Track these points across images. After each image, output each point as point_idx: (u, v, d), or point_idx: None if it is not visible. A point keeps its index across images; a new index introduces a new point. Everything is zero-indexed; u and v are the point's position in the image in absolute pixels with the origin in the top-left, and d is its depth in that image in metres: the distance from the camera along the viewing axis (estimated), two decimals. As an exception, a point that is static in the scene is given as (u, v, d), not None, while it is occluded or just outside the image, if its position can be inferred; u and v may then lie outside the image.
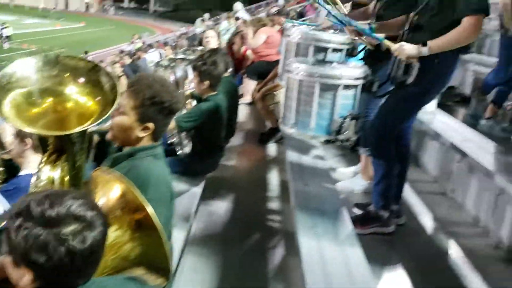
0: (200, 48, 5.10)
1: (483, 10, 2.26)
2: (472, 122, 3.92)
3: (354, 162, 3.59)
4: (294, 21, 5.37)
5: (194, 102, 3.78)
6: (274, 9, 17.35)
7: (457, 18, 2.28)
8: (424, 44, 2.33)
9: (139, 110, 1.87)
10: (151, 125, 1.88)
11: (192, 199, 3.22)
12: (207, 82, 3.52)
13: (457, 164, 3.21)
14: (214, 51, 3.79)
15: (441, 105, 4.04)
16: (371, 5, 3.48)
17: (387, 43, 2.50)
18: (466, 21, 2.24)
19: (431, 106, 3.53)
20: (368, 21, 2.78)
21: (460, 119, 4.07)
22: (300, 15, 13.54)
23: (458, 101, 4.92)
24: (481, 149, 3.00)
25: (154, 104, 1.86)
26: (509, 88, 3.75)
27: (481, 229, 2.84)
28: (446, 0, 2.34)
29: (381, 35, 2.62)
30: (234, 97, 4.28)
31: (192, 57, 4.21)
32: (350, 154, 3.80)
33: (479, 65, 4.98)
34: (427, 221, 2.97)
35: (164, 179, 1.86)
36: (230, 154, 4.49)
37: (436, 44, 2.31)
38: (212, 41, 5.40)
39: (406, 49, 2.36)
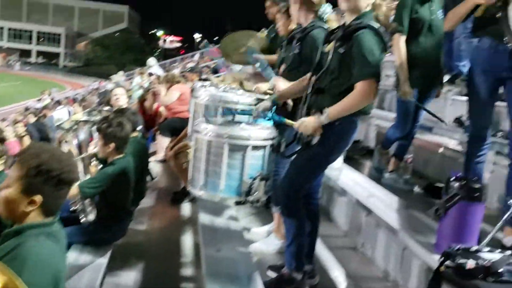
0: (106, 108, 4.94)
1: (375, 76, 2.38)
2: (377, 175, 4.10)
3: (268, 220, 3.56)
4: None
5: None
6: (189, 65, 17.59)
7: (353, 83, 2.39)
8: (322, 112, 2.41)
9: (23, 181, 1.68)
10: (38, 198, 1.69)
11: (96, 271, 2.97)
12: (112, 145, 3.37)
13: (365, 219, 3.30)
14: (120, 112, 3.68)
15: (348, 158, 4.20)
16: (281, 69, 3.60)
17: (289, 122, 2.56)
18: (359, 86, 2.36)
19: (338, 162, 3.63)
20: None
21: (366, 172, 4.24)
22: (214, 71, 13.84)
23: (364, 154, 5.17)
24: (385, 204, 3.12)
25: (39, 174, 1.68)
26: (408, 142, 3.98)
27: (391, 284, 2.90)
28: (344, 65, 2.46)
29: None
30: (143, 157, 4.13)
31: (97, 117, 4.04)
32: (264, 212, 3.77)
33: (381, 119, 5.30)
34: (339, 277, 2.98)
35: (48, 262, 1.64)
36: (141, 217, 4.29)
37: (334, 110, 2.39)
38: (122, 99, 5.27)
39: (308, 124, 2.43)
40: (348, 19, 2.54)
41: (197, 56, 26.00)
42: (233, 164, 2.46)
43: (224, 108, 3.00)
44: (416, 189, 3.81)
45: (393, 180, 3.94)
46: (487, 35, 2.70)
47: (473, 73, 2.82)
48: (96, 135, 3.64)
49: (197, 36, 56.93)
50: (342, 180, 3.67)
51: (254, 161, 2.50)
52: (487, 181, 3.35)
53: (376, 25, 2.45)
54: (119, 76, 18.60)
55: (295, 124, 2.49)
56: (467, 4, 2.65)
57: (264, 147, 2.54)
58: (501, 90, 2.81)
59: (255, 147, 2.50)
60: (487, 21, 2.60)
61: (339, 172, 3.73)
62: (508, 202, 2.27)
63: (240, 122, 2.78)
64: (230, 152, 2.44)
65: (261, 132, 2.56)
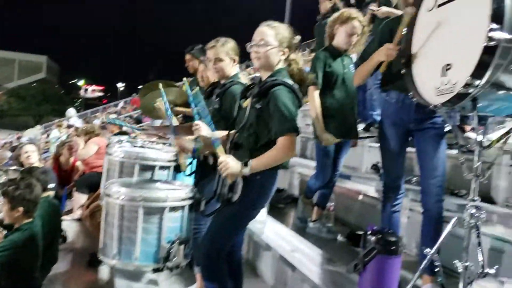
0: (14, 167, 4.59)
1: (294, 130, 2.41)
2: (301, 225, 4.11)
3: (190, 282, 3.37)
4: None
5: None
6: (112, 116, 17.14)
7: (273, 139, 2.40)
8: (247, 163, 2.38)
9: None
10: None
11: None
12: (21, 209, 3.11)
13: (291, 274, 3.24)
14: (28, 172, 3.42)
15: (272, 208, 4.16)
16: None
17: (219, 149, 2.48)
18: (280, 141, 2.36)
19: (262, 214, 3.59)
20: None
21: (291, 222, 4.23)
22: (138, 121, 13.56)
23: (289, 202, 5.19)
24: (309, 259, 3.08)
25: None
26: (329, 190, 4.05)
27: None
28: (262, 120, 2.46)
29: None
30: (54, 219, 3.84)
31: (3, 179, 3.73)
32: (186, 272, 3.58)
33: (304, 167, 5.39)
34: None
35: None
36: (53, 284, 3.92)
37: (257, 163, 2.37)
38: (33, 156, 4.96)
39: (231, 165, 2.38)
40: (263, 75, 2.58)
41: (120, 105, 25.51)
42: (149, 228, 2.33)
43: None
44: (339, 237, 3.86)
45: (317, 229, 3.98)
46: (394, 89, 2.84)
47: (383, 126, 2.94)
48: (1, 199, 3.34)
49: (120, 85, 56.00)
50: (266, 233, 3.61)
51: (172, 224, 2.39)
52: (404, 227, 3.45)
53: (290, 82, 2.49)
54: (35, 130, 17.65)
55: (222, 156, 2.41)
56: (371, 62, 2.80)
57: (182, 207, 2.44)
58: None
59: (173, 208, 2.40)
60: (394, 76, 2.74)
61: (263, 225, 3.68)
62: (424, 252, 2.31)
63: (156, 181, 2.68)
64: (145, 216, 2.32)
65: (179, 192, 2.47)
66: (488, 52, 1.88)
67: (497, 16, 1.86)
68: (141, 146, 3.20)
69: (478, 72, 1.92)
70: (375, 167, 4.70)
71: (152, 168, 2.93)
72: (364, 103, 5.18)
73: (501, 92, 1.99)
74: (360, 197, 4.29)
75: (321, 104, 3.67)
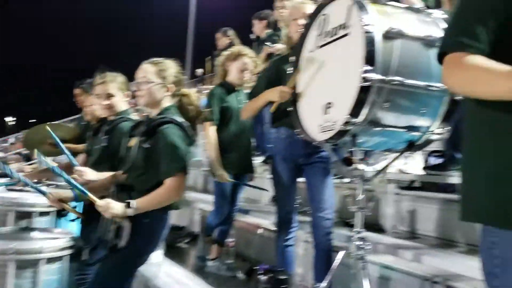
0: None
1: (183, 169, 2.33)
2: (201, 264, 3.99)
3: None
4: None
5: None
6: (13, 153, 15.65)
7: (162, 179, 2.31)
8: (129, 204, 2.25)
9: None
10: None
11: None
12: None
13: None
14: None
15: (171, 247, 3.99)
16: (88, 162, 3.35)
17: (92, 197, 2.32)
18: (168, 181, 2.28)
19: (157, 256, 3.42)
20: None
21: (191, 262, 4.10)
22: (27, 158, 12.58)
23: (189, 241, 5.05)
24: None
25: None
26: (228, 226, 3.99)
27: None
28: (150, 160, 2.36)
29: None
30: None
31: None
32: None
33: (205, 203, 5.29)
34: None
35: None
36: None
37: (141, 203, 2.26)
38: None
39: (113, 207, 2.24)
40: (151, 113, 2.50)
41: (9, 141, 23.59)
42: (22, 284, 2.10)
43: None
44: (239, 274, 3.80)
45: (216, 268, 3.89)
46: (283, 125, 2.91)
47: (275, 161, 2.98)
48: None
49: (9, 119, 51.82)
50: (161, 277, 3.45)
51: (49, 277, 2.17)
52: (301, 259, 3.48)
53: (179, 119, 2.44)
54: None
55: (100, 202, 2.26)
56: (261, 99, 2.85)
57: (61, 257, 2.24)
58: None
59: (51, 260, 2.18)
60: (282, 113, 2.80)
61: (158, 268, 3.51)
62: (314, 286, 2.33)
63: (32, 230, 2.43)
64: (17, 271, 2.08)
65: (57, 241, 2.26)
66: (364, 92, 1.98)
67: (370, 59, 1.97)
68: (20, 190, 2.92)
69: (355, 110, 2.01)
70: (275, 200, 4.74)
71: (29, 215, 2.67)
72: (262, 136, 5.26)
73: (377, 128, 2.10)
74: (260, 230, 4.29)
75: (217, 139, 3.66)
